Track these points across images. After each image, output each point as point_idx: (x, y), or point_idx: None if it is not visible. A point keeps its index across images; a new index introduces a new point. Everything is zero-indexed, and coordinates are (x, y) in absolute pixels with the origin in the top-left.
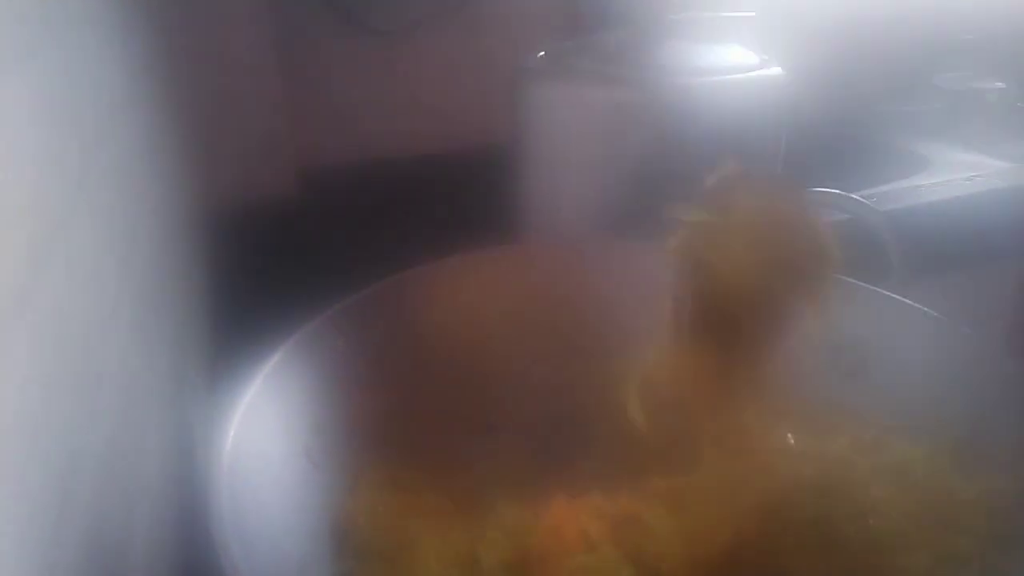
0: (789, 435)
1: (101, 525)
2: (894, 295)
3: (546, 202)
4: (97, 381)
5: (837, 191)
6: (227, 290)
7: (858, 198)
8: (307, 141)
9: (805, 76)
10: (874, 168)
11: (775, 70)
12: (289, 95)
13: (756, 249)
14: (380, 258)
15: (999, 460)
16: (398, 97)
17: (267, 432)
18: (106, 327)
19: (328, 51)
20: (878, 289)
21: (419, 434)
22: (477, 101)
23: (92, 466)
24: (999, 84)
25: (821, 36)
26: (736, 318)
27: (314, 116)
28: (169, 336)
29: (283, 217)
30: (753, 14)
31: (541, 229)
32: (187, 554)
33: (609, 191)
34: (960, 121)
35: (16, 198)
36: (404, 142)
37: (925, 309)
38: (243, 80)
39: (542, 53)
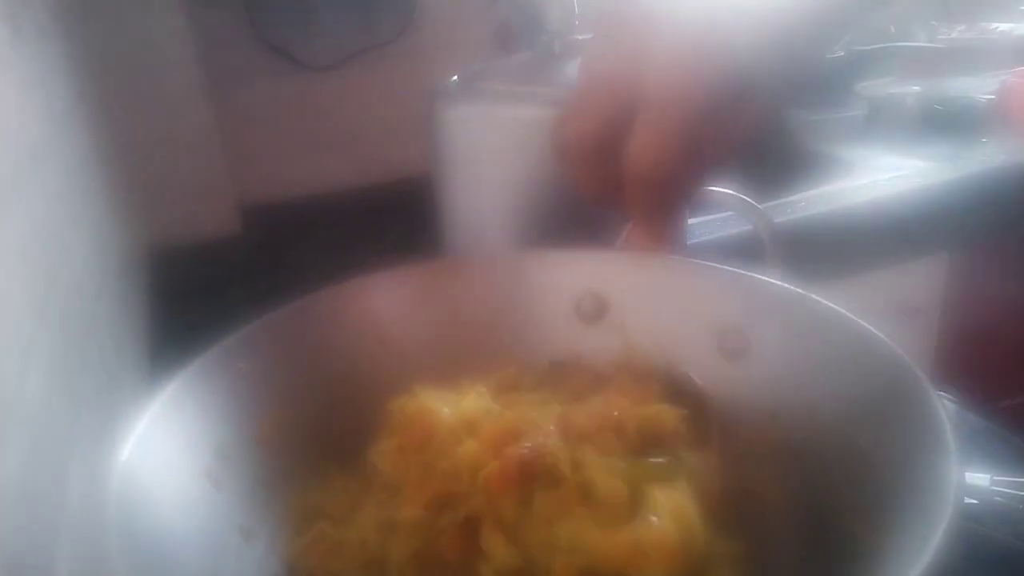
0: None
1: (20, 556)
2: (777, 282)
3: (467, 220)
4: (4, 419)
5: (727, 191)
6: (170, 325)
7: (744, 197)
8: (246, 178)
9: None
10: (799, 174)
11: None
12: (225, 134)
13: None
14: (322, 285)
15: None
16: (333, 131)
17: (165, 455)
18: (18, 367)
19: (262, 89)
20: (763, 276)
21: (323, 451)
22: (408, 130)
23: (5, 501)
24: (915, 88)
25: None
26: None
27: (251, 153)
28: (98, 370)
29: (226, 253)
30: None
31: (466, 247)
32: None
33: (525, 206)
34: (880, 125)
35: None
36: (342, 174)
37: (806, 293)
38: (177, 121)
39: (454, 77)
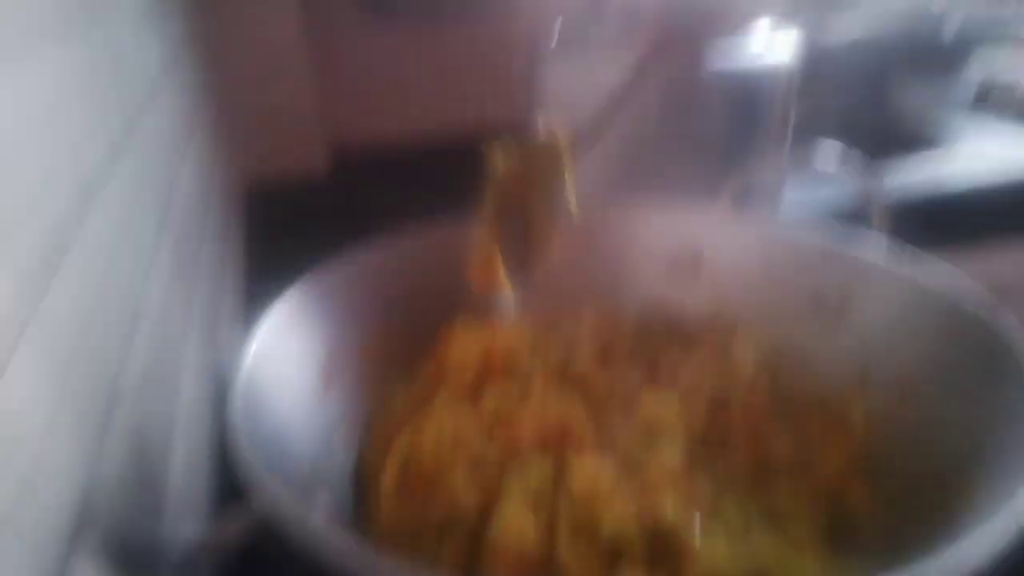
0: None
1: (141, 438)
2: (877, 250)
3: None
4: (134, 319)
5: (837, 145)
6: (261, 251)
7: (854, 156)
8: (338, 122)
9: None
10: (904, 149)
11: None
12: (319, 79)
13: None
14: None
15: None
16: (427, 83)
17: (284, 354)
18: (145, 274)
19: (360, 38)
20: (862, 244)
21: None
22: (501, 87)
23: (131, 390)
24: None
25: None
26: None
27: (345, 99)
28: (205, 286)
29: (315, 192)
30: None
31: None
32: (220, 462)
33: (622, 162)
34: (991, 105)
35: (61, 149)
36: (433, 124)
37: (905, 271)
38: (275, 63)
39: (556, 33)
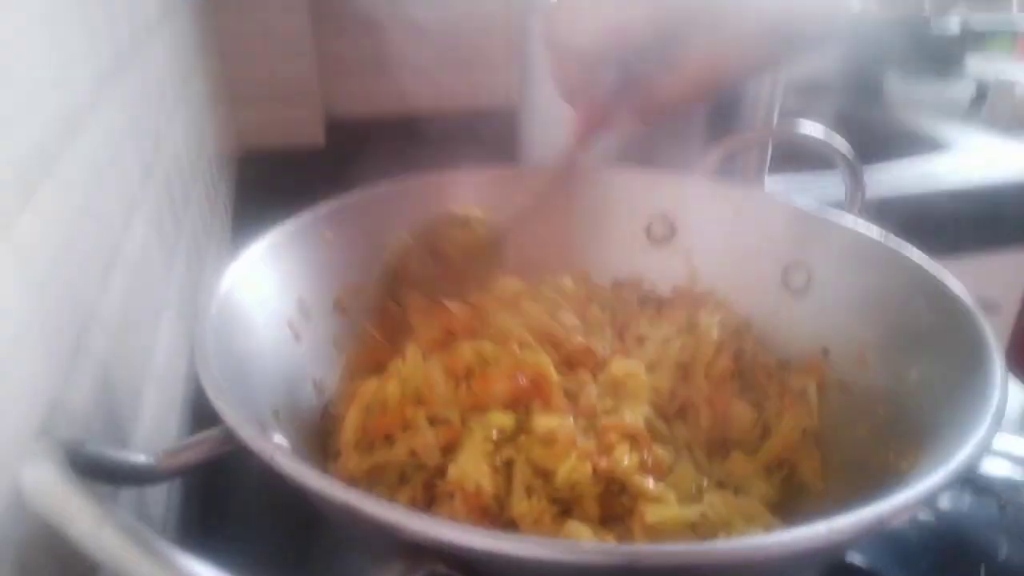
0: None
1: (112, 371)
2: (844, 221)
3: (548, 141)
4: (112, 256)
5: (817, 132)
6: (249, 211)
7: (824, 135)
8: (334, 91)
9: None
10: (896, 147)
11: None
12: (320, 47)
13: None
14: None
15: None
16: (423, 53)
17: (256, 296)
18: (127, 214)
19: (359, 6)
20: (831, 215)
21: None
22: (496, 59)
23: (105, 324)
24: None
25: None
26: None
27: (342, 69)
28: (190, 237)
29: (308, 160)
30: None
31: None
32: (192, 409)
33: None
34: (988, 106)
35: (50, 66)
36: (427, 97)
37: (873, 234)
38: (277, 27)
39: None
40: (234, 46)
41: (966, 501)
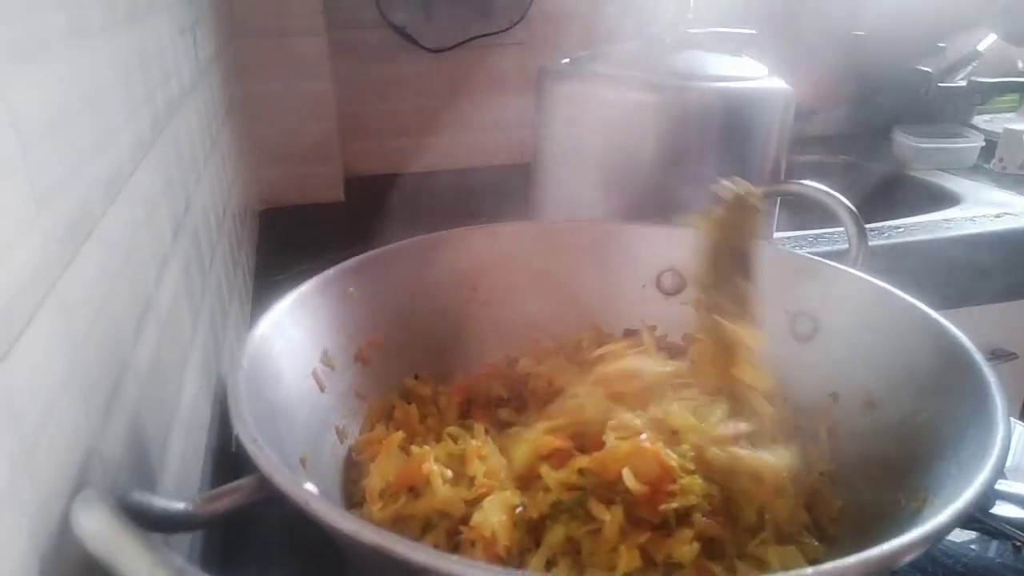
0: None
1: (143, 422)
2: (849, 270)
3: (562, 196)
4: (145, 312)
5: (817, 185)
6: (272, 270)
7: (834, 193)
8: (355, 149)
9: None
10: (904, 200)
11: (779, 82)
12: (342, 103)
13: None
14: None
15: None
16: (442, 112)
17: (284, 349)
18: (159, 271)
19: (380, 66)
20: (836, 264)
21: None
22: (511, 118)
23: (137, 377)
24: None
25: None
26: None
27: (363, 127)
28: (214, 291)
29: (328, 216)
30: (754, 32)
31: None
32: (217, 456)
33: (618, 183)
34: (995, 160)
35: (94, 139)
36: (445, 155)
37: (877, 282)
38: (301, 84)
39: (566, 60)
40: (260, 108)
41: (981, 543)
